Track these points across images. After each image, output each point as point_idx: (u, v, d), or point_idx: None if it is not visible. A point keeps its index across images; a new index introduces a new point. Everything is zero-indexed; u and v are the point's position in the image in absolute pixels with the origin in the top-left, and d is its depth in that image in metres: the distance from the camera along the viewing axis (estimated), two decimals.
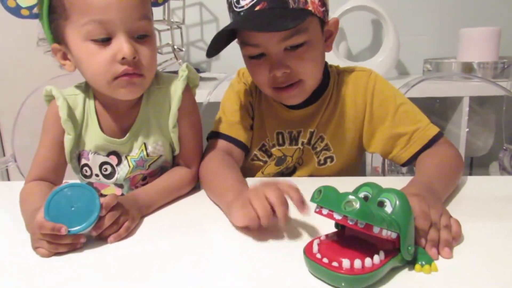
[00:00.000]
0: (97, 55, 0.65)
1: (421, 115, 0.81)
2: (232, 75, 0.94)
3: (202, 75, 1.70)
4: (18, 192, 0.71)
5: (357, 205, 0.41)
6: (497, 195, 0.69)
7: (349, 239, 0.48)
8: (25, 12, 0.70)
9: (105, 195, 0.59)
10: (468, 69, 1.47)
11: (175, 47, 1.64)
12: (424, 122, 0.80)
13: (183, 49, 1.72)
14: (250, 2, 0.70)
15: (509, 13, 1.72)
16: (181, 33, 1.74)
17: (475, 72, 1.46)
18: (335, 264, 0.44)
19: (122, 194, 0.77)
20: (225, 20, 0.72)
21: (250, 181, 0.71)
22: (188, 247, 0.56)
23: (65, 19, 0.65)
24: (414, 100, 0.84)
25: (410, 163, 0.81)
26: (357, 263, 0.43)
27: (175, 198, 0.73)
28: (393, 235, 0.44)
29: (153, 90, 0.76)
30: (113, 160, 0.75)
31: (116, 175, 0.76)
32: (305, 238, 0.49)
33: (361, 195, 0.49)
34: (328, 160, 0.88)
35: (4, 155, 2.06)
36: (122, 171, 0.75)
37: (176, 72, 0.77)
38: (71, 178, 0.73)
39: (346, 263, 0.43)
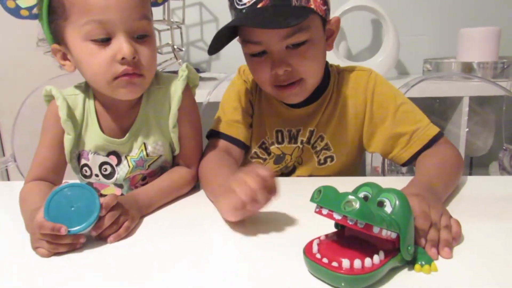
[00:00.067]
0: (97, 55, 0.65)
1: (421, 115, 0.81)
2: (232, 75, 0.94)
3: (202, 75, 1.70)
4: (18, 192, 0.71)
5: (356, 205, 0.41)
6: (497, 195, 0.69)
7: (349, 239, 0.48)
8: (24, 13, 0.69)
9: (104, 195, 0.59)
10: (468, 69, 1.47)
11: (175, 47, 1.64)
12: (424, 122, 0.80)
13: (183, 49, 1.72)
14: None
15: (509, 13, 1.72)
16: (181, 33, 1.74)
17: (475, 72, 1.46)
18: (334, 264, 0.44)
19: (122, 194, 0.77)
20: (225, 20, 0.72)
21: None
22: (188, 247, 0.56)
23: (64, 20, 0.65)
24: (414, 100, 0.84)
25: (410, 163, 0.81)
26: (357, 263, 0.43)
27: (175, 198, 0.73)
28: (393, 235, 0.44)
29: (153, 90, 0.76)
30: (112, 160, 0.75)
31: (116, 175, 0.76)
32: (305, 238, 0.49)
33: (361, 195, 0.49)
34: (328, 159, 0.88)
35: (3, 155, 2.06)
36: (122, 171, 0.75)
37: (176, 72, 0.77)
38: (70, 178, 0.73)
39: (345, 263, 0.43)
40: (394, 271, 0.46)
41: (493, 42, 1.47)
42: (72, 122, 0.73)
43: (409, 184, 0.63)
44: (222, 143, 0.84)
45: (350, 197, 0.42)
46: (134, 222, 0.62)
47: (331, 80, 0.86)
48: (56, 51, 0.70)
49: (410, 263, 0.47)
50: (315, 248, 0.47)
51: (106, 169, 0.76)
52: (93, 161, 0.75)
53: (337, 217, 0.43)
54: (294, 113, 0.86)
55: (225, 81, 1.32)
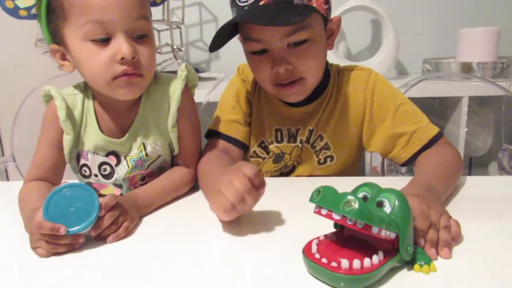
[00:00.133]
0: (96, 56, 0.64)
1: (421, 115, 0.81)
2: (231, 75, 0.94)
3: (202, 75, 1.70)
4: (17, 192, 0.71)
5: (356, 205, 0.41)
6: (496, 195, 0.69)
7: (348, 239, 0.48)
8: (23, 13, 0.69)
9: (104, 195, 0.59)
10: (467, 69, 1.47)
11: (175, 47, 1.63)
12: (424, 122, 0.80)
13: (183, 49, 1.72)
14: None
15: (508, 13, 1.72)
16: (181, 33, 1.73)
17: (474, 72, 1.46)
18: (334, 264, 0.44)
19: (121, 194, 0.77)
20: (225, 20, 0.72)
21: None
22: (187, 247, 0.56)
23: (63, 20, 0.65)
24: (413, 100, 0.84)
25: (409, 163, 0.81)
26: (356, 263, 0.43)
27: (174, 198, 0.73)
28: (392, 235, 0.44)
29: (152, 90, 0.75)
30: (112, 160, 0.75)
31: (115, 175, 0.76)
32: (304, 238, 0.49)
33: (360, 195, 0.49)
34: (328, 159, 0.88)
35: (3, 154, 2.06)
36: (121, 171, 0.75)
37: (175, 72, 0.77)
38: (70, 178, 0.73)
39: (345, 263, 0.43)
40: (393, 271, 0.46)
41: (493, 42, 1.47)
42: (71, 122, 0.73)
43: (409, 184, 0.63)
44: (220, 143, 0.84)
45: (349, 197, 0.42)
46: (133, 222, 0.62)
47: (331, 79, 0.86)
48: (55, 51, 0.70)
49: (409, 263, 0.47)
50: (314, 248, 0.47)
51: (105, 169, 0.76)
52: (92, 161, 0.75)
53: (336, 217, 0.43)
54: (293, 112, 0.86)
55: (224, 81, 1.32)
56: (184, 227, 0.62)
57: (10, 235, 0.64)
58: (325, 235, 0.50)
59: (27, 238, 0.57)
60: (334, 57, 1.52)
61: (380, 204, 0.47)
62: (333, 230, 0.51)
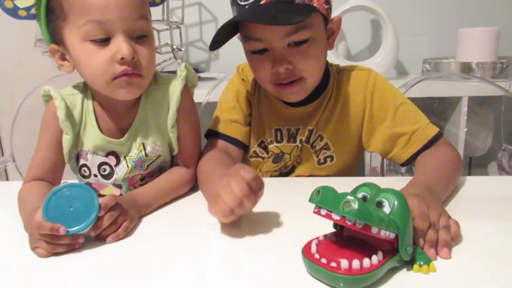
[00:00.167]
0: (96, 56, 0.64)
1: (421, 115, 0.81)
2: (231, 75, 0.94)
3: (201, 75, 1.70)
4: (16, 192, 0.71)
5: (355, 205, 0.41)
6: (496, 195, 0.69)
7: (347, 239, 0.48)
8: (22, 13, 0.69)
9: (103, 195, 0.59)
10: (467, 69, 1.47)
11: (174, 47, 1.63)
12: (423, 122, 0.80)
13: (182, 49, 1.72)
14: None
15: (508, 13, 1.72)
16: (180, 33, 1.73)
17: (474, 72, 1.46)
18: (333, 264, 0.44)
19: (121, 195, 0.76)
20: (224, 20, 0.72)
21: None
22: (187, 247, 0.56)
23: (63, 20, 0.65)
24: (413, 100, 0.84)
25: (409, 163, 0.81)
26: (356, 263, 0.43)
27: (174, 198, 0.73)
28: (392, 236, 0.44)
29: (151, 90, 0.75)
30: (111, 160, 0.75)
31: (114, 176, 0.76)
32: (304, 239, 0.49)
33: (360, 195, 0.49)
34: (328, 159, 0.88)
35: (2, 154, 2.06)
36: (121, 171, 0.75)
37: (175, 72, 0.77)
38: (69, 178, 0.73)
39: (344, 263, 0.43)
40: (392, 271, 0.46)
41: (492, 42, 1.47)
42: (70, 122, 0.73)
43: (408, 184, 0.63)
44: (220, 143, 0.84)
45: (349, 197, 0.42)
46: (133, 222, 0.62)
47: (330, 79, 0.86)
48: (54, 51, 0.70)
49: (409, 264, 0.47)
50: (313, 248, 0.47)
51: (105, 170, 0.76)
52: (92, 161, 0.75)
53: (336, 217, 0.43)
54: (293, 112, 0.86)
55: (224, 81, 1.32)
56: (184, 227, 0.62)
57: (9, 235, 0.64)
58: (325, 235, 0.50)
59: (27, 238, 0.57)
60: (334, 57, 1.52)
61: (379, 204, 0.47)
62: (333, 230, 0.51)
